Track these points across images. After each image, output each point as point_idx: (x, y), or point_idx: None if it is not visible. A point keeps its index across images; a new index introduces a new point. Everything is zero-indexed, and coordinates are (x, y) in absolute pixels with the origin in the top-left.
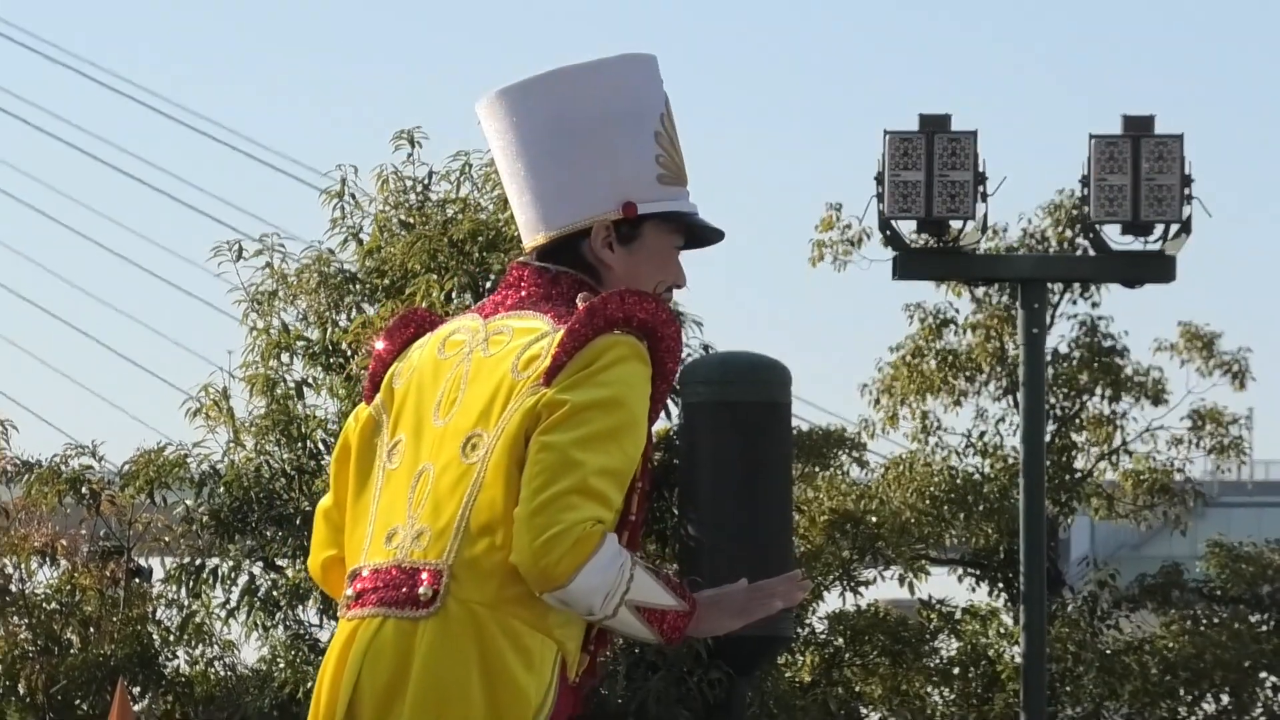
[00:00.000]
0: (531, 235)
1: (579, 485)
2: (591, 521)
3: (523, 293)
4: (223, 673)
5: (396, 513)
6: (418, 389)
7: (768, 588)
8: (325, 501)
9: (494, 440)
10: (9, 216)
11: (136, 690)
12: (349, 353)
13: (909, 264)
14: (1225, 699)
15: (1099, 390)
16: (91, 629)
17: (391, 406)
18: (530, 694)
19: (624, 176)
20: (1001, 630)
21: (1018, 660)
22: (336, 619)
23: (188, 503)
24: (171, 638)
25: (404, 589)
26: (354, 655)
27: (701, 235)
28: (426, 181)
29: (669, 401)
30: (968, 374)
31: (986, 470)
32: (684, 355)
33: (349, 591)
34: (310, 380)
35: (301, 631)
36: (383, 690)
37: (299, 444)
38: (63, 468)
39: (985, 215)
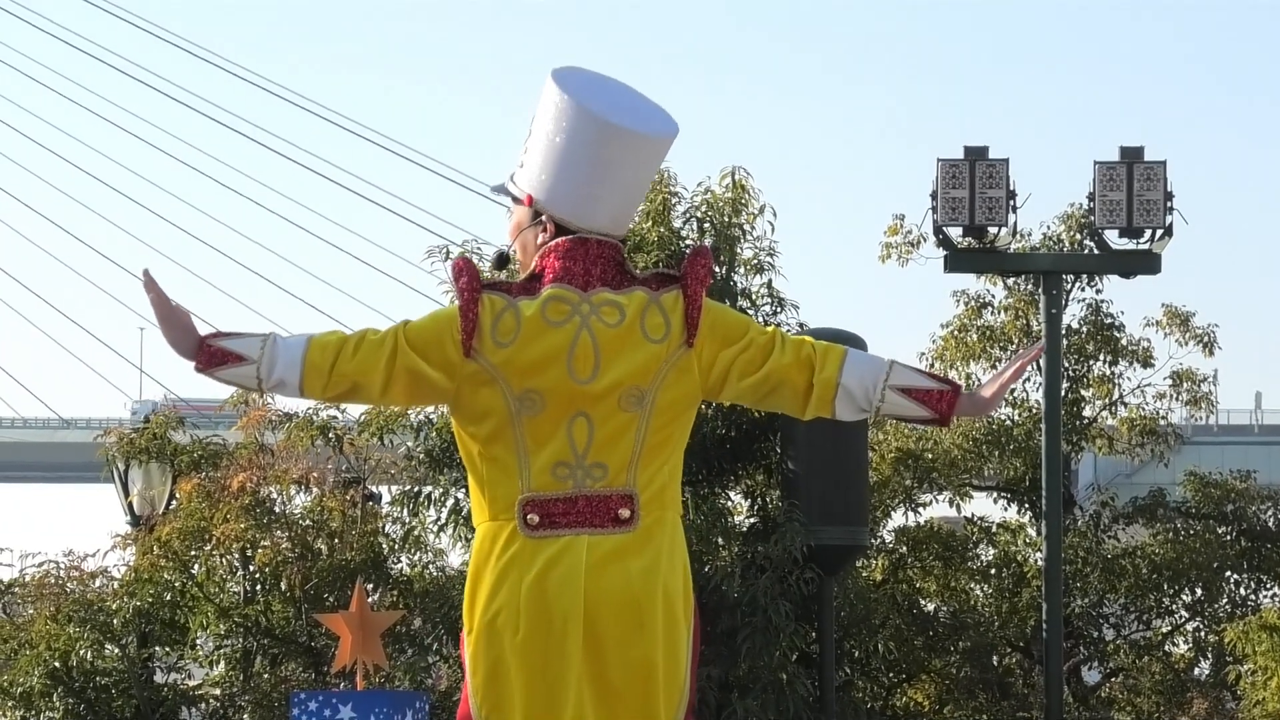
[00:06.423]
0: (621, 225)
1: (784, 338)
2: (825, 345)
3: (598, 269)
4: (435, 573)
5: (558, 450)
6: (541, 351)
7: (1014, 367)
8: (386, 338)
9: (654, 392)
10: (294, 243)
11: (370, 586)
12: None
13: (957, 261)
14: (1199, 592)
15: (1101, 357)
16: (336, 540)
17: (496, 355)
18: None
19: None
20: (1027, 540)
21: (1040, 563)
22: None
23: (408, 444)
24: (396, 547)
25: (600, 512)
26: (569, 570)
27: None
28: None
29: None
30: (1001, 345)
31: (1016, 418)
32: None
33: (531, 517)
34: None
35: None
36: (616, 592)
37: None
38: (314, 418)
39: (1015, 223)
